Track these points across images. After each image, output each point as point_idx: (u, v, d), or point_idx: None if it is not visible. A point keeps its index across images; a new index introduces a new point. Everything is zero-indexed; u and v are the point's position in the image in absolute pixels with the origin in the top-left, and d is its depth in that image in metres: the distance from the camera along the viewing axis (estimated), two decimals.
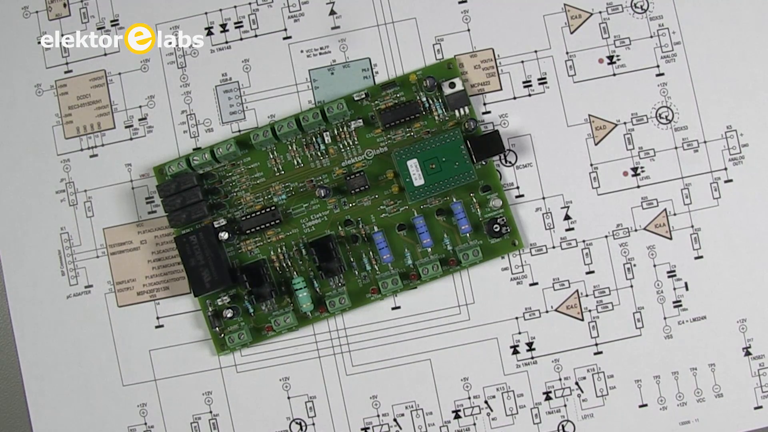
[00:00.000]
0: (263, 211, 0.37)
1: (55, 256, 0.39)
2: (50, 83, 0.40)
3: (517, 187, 0.39)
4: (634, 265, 0.38)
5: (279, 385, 0.39)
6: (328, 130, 0.38)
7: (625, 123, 0.39)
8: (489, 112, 0.39)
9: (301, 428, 0.39)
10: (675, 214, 0.39)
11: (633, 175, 0.39)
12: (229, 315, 0.37)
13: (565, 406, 0.38)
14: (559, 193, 0.39)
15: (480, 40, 0.39)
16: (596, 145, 0.39)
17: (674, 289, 0.38)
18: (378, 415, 0.39)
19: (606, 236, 0.39)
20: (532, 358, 0.38)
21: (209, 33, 0.40)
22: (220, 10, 0.40)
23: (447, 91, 0.38)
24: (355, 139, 0.38)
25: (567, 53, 0.39)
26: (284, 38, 0.39)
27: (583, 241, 0.39)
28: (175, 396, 0.39)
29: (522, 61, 0.39)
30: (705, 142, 0.39)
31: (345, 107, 0.37)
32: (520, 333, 0.38)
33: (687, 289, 0.38)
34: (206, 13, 0.40)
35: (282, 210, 0.38)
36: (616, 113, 0.39)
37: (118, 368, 0.39)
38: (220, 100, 0.39)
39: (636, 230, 0.39)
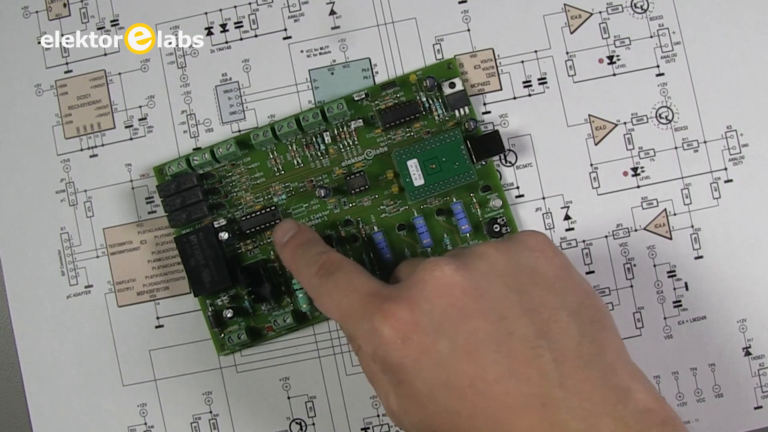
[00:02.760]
0: (263, 211, 0.37)
1: (55, 256, 0.39)
2: (50, 83, 0.40)
3: (517, 187, 0.39)
4: (634, 265, 0.38)
5: (279, 385, 0.39)
6: (328, 130, 0.38)
7: (625, 123, 0.39)
8: (489, 112, 0.39)
9: (301, 428, 0.39)
10: (675, 214, 0.39)
11: (633, 175, 0.39)
12: (229, 315, 0.37)
13: None
14: (559, 193, 0.39)
15: (480, 40, 0.39)
16: (596, 145, 0.39)
17: (674, 289, 0.38)
18: (378, 415, 0.39)
19: (606, 236, 0.39)
20: None
21: (209, 33, 0.40)
22: (220, 10, 0.40)
23: (447, 91, 0.38)
24: (355, 139, 0.38)
25: (567, 53, 0.39)
26: (284, 38, 0.39)
27: (583, 241, 0.39)
28: (175, 396, 0.39)
29: (522, 61, 0.39)
30: (705, 142, 0.39)
31: (345, 107, 0.37)
32: None
33: (687, 289, 0.38)
34: (206, 13, 0.40)
35: (282, 210, 0.38)
36: (616, 113, 0.39)
37: (118, 368, 0.39)
38: (220, 100, 0.39)
39: (636, 230, 0.39)
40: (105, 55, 0.40)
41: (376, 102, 0.38)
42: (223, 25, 0.40)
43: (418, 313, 0.26)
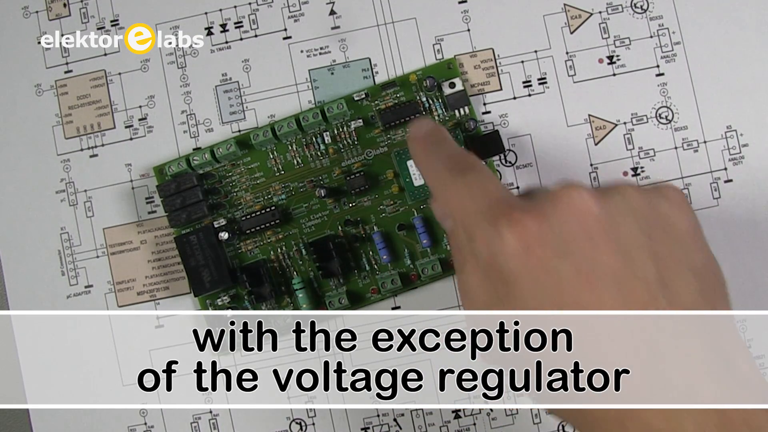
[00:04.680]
0: (263, 211, 0.37)
1: (55, 256, 0.39)
2: (50, 83, 0.40)
3: (517, 187, 0.39)
4: None
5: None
6: (328, 130, 0.38)
7: (625, 123, 0.39)
8: (489, 112, 0.39)
9: (301, 428, 0.39)
10: None
11: (633, 175, 0.39)
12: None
13: None
14: None
15: (480, 40, 0.39)
16: (596, 145, 0.39)
17: None
18: (378, 415, 0.39)
19: None
20: None
21: (209, 33, 0.40)
22: (220, 10, 0.40)
23: (447, 91, 0.38)
24: (355, 139, 0.38)
25: (567, 53, 0.39)
26: (284, 38, 0.39)
27: None
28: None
29: (522, 61, 0.39)
30: (705, 142, 0.39)
31: (345, 107, 0.37)
32: None
33: None
34: (206, 13, 0.40)
35: (282, 210, 0.38)
36: (616, 113, 0.39)
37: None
38: (220, 100, 0.39)
39: None
40: (105, 55, 0.40)
41: (376, 102, 0.38)
42: (223, 25, 0.40)
43: (546, 228, 0.25)
